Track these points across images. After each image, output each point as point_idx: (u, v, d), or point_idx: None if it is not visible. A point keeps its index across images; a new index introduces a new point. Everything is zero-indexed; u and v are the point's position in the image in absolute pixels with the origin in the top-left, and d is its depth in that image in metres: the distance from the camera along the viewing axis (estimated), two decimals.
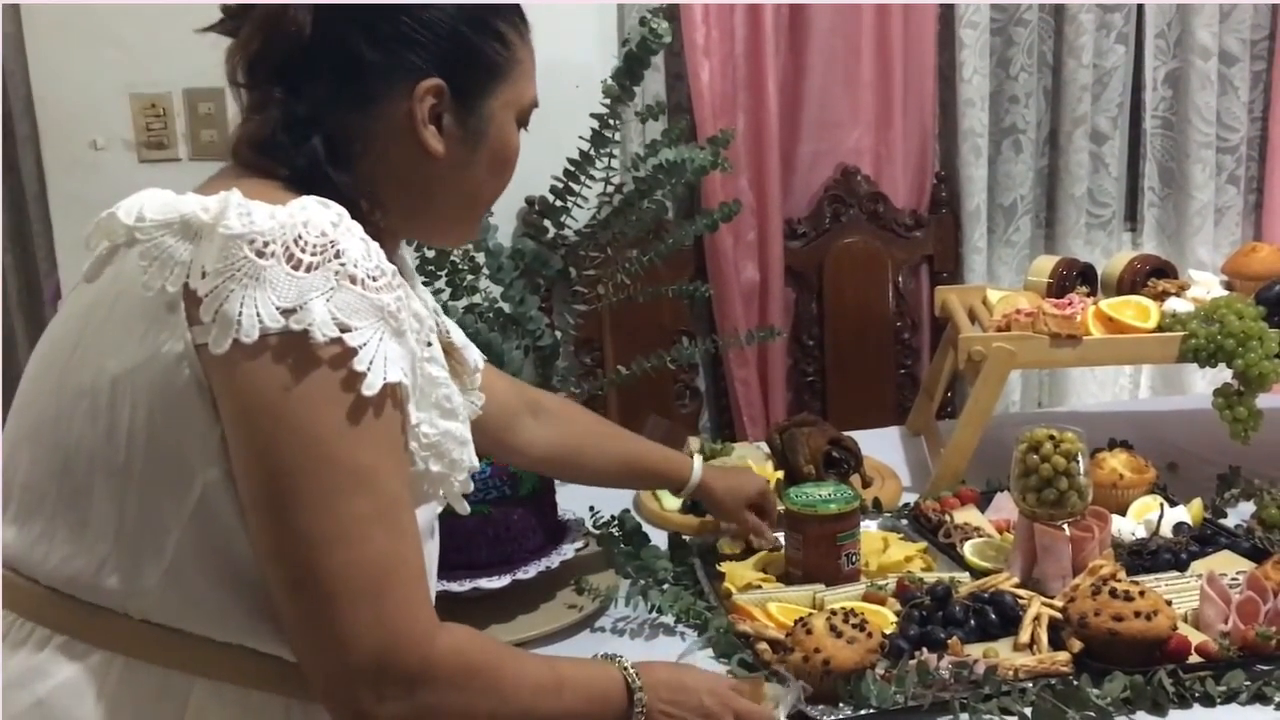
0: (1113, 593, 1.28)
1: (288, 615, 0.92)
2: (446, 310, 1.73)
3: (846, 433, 1.85)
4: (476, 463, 1.08)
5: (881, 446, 2.00)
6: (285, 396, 0.88)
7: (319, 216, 0.90)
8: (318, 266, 0.88)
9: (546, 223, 1.82)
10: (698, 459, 1.59)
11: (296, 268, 0.87)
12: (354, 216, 0.93)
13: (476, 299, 1.82)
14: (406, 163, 1.01)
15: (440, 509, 1.10)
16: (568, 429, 1.48)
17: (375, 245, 0.93)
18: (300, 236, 0.88)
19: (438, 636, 0.95)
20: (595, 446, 1.52)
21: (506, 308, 1.79)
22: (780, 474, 1.79)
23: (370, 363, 0.89)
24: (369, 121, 0.99)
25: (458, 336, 1.21)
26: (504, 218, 1.75)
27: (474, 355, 1.22)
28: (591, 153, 1.75)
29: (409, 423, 0.96)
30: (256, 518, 0.91)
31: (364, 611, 0.90)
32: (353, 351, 0.89)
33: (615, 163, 1.79)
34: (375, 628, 0.90)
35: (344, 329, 0.88)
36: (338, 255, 0.89)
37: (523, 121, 1.08)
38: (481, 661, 0.99)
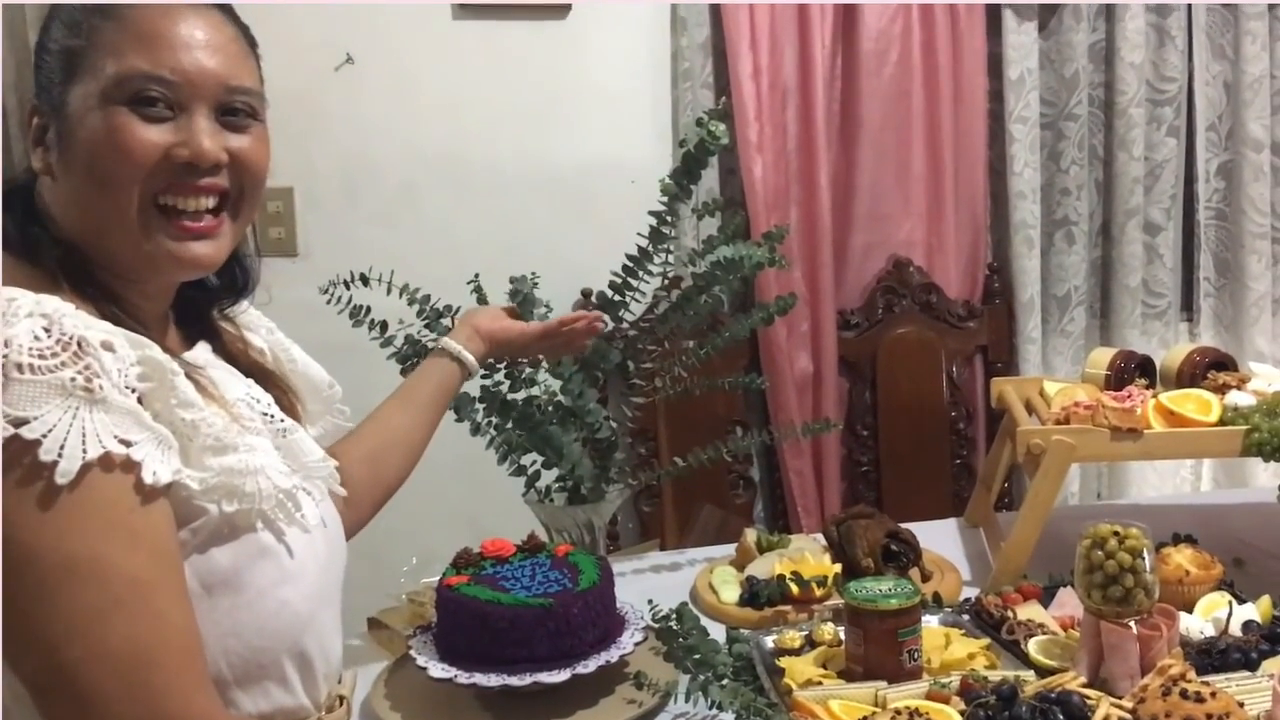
0: (1184, 693, 1.26)
1: None
2: (504, 403, 1.76)
3: (903, 524, 1.85)
4: (285, 483, 1.05)
5: (939, 539, 1.99)
6: None
7: None
8: None
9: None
10: (456, 347, 1.54)
11: None
12: (80, 269, 0.98)
13: (535, 391, 1.85)
14: (56, 198, 1.03)
15: (313, 520, 1.09)
16: (358, 448, 1.40)
17: (61, 315, 0.90)
18: None
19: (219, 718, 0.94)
20: (387, 426, 1.45)
21: (565, 400, 1.82)
22: (838, 566, 1.78)
23: (62, 448, 0.87)
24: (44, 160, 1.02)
25: (292, 358, 1.24)
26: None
27: (317, 374, 1.28)
28: (649, 249, 1.78)
29: (160, 482, 0.93)
30: None
31: (121, 703, 0.88)
32: (35, 444, 0.87)
33: (671, 257, 1.81)
34: (139, 715, 0.88)
35: (19, 423, 0.87)
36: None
37: (129, 99, 0.99)
38: None
